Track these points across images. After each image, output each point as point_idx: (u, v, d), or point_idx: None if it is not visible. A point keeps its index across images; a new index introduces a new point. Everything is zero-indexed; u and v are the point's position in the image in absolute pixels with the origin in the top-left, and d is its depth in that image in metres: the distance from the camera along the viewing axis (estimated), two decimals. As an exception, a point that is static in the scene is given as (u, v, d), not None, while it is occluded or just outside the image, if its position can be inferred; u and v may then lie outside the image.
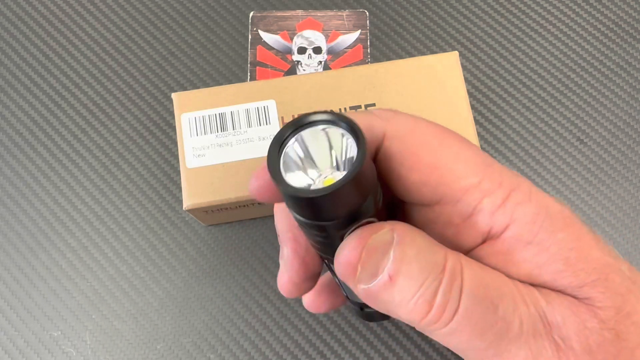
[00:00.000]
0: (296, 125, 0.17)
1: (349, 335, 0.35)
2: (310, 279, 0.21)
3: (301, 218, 0.17)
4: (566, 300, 0.17)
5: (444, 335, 0.17)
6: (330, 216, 0.17)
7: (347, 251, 0.17)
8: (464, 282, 0.16)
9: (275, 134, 0.17)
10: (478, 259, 0.18)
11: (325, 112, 0.17)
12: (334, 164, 0.17)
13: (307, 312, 0.35)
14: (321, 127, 0.17)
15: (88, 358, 0.35)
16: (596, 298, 0.17)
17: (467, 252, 0.19)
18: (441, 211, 0.19)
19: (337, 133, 0.17)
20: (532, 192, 0.18)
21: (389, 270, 0.17)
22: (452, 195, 0.18)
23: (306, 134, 0.17)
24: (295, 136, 0.17)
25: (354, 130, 0.17)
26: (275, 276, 0.36)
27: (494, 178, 0.18)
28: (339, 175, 0.17)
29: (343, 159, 0.17)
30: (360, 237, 0.17)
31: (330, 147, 0.17)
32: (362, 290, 0.17)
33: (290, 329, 0.35)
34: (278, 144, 0.17)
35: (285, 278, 0.21)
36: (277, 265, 0.36)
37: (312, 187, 0.17)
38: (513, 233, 0.18)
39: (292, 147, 0.17)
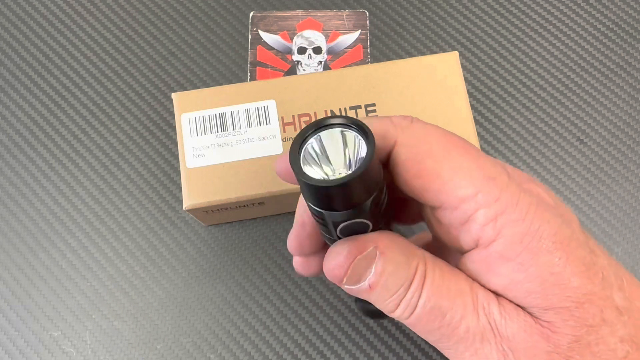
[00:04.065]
0: (317, 126, 0.20)
1: (349, 335, 0.35)
2: (304, 255, 0.25)
3: (307, 202, 0.20)
4: (523, 319, 0.19)
5: (408, 326, 0.21)
6: (328, 206, 0.19)
7: (335, 265, 0.21)
8: (422, 291, 0.20)
9: (297, 133, 0.20)
10: (468, 261, 0.21)
11: (342, 116, 0.20)
12: (347, 162, 0.20)
13: (308, 312, 0.35)
14: (339, 129, 0.20)
15: (88, 358, 0.35)
16: (556, 323, 0.19)
17: (465, 252, 0.21)
18: (444, 214, 0.20)
19: (351, 135, 0.20)
20: (529, 212, 0.19)
21: (370, 280, 0.20)
22: (450, 202, 0.20)
23: (324, 134, 0.20)
24: (315, 135, 0.20)
25: (365, 133, 0.19)
26: (275, 276, 0.36)
27: (492, 192, 0.19)
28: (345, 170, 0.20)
29: (355, 158, 0.20)
30: (346, 257, 0.21)
31: (345, 148, 0.20)
32: (346, 288, 0.21)
33: (290, 329, 0.35)
34: (300, 140, 0.19)
35: (290, 247, 0.25)
36: (277, 266, 0.36)
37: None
38: (497, 248, 0.19)
39: (312, 145, 0.20)
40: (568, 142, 0.39)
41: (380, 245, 0.20)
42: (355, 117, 0.33)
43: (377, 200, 0.20)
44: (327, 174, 0.20)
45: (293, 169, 0.19)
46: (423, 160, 0.20)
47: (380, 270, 0.20)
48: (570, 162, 0.39)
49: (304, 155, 0.20)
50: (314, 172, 0.19)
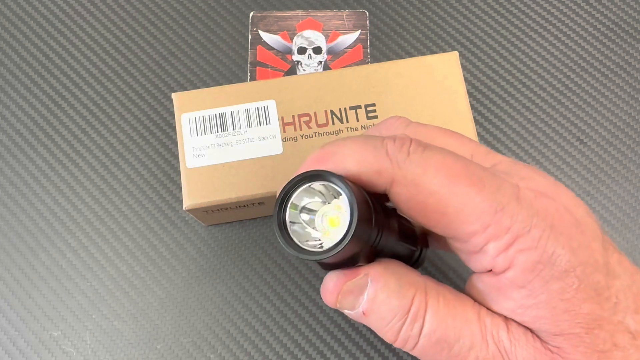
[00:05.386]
0: (283, 200, 0.20)
1: (349, 335, 0.35)
2: None
3: None
4: (532, 345, 0.19)
5: (416, 356, 0.20)
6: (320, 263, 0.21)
7: (326, 292, 0.21)
8: (425, 323, 0.20)
9: (275, 216, 0.20)
10: (478, 281, 0.20)
11: (302, 174, 0.20)
12: (326, 202, 0.20)
13: (308, 312, 0.35)
14: (304, 186, 0.20)
15: (88, 358, 0.35)
16: (566, 350, 0.19)
17: (478, 273, 0.21)
18: (453, 242, 0.20)
19: (318, 185, 0.20)
20: (542, 238, 0.19)
21: (363, 307, 0.20)
22: (460, 237, 0.19)
23: (295, 198, 0.20)
24: (288, 205, 0.20)
25: (340, 185, 0.19)
26: (275, 276, 0.36)
27: (502, 223, 0.19)
28: (331, 208, 0.20)
29: (330, 193, 0.20)
30: (336, 284, 0.21)
31: (320, 198, 0.20)
32: (347, 313, 0.21)
33: (290, 329, 0.35)
34: (280, 220, 0.20)
35: None
36: (277, 266, 0.36)
37: (320, 237, 0.20)
38: (509, 276, 0.19)
39: (291, 214, 0.20)
40: (568, 142, 0.39)
41: (372, 272, 0.20)
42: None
43: (365, 252, 0.20)
44: (318, 230, 0.20)
45: (280, 242, 0.19)
46: (426, 200, 0.19)
47: (372, 297, 0.20)
48: (570, 162, 0.39)
49: (293, 231, 0.20)
50: (312, 234, 0.20)
